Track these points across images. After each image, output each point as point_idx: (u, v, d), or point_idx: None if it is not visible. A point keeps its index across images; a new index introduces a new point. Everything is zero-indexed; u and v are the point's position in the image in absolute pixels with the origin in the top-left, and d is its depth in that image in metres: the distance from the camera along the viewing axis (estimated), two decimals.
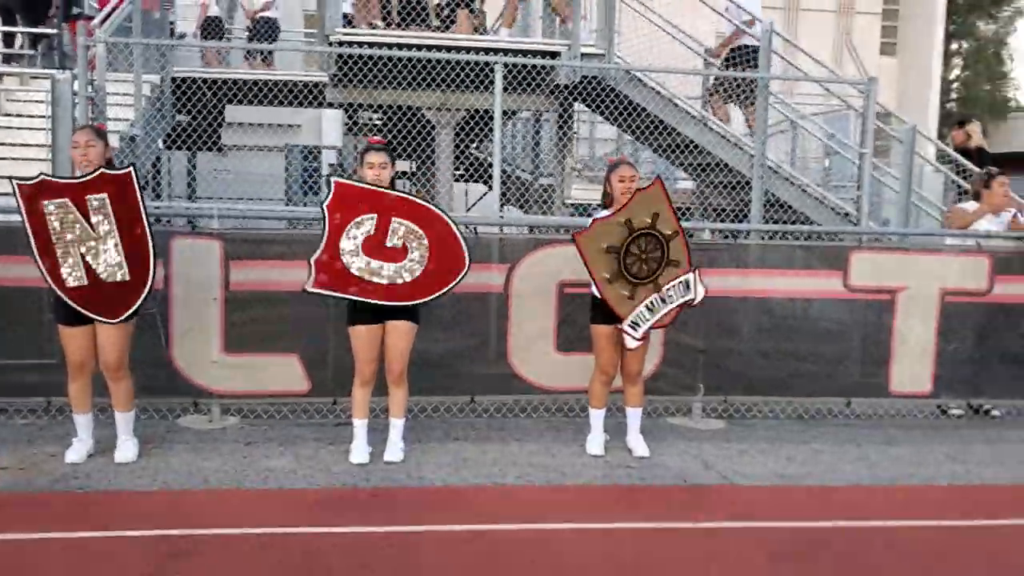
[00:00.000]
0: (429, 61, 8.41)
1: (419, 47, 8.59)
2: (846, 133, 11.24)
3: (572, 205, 11.12)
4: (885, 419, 7.04)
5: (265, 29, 12.63)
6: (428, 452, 5.81)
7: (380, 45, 8.56)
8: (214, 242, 6.17)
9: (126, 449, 5.47)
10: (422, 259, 5.33)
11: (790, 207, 9.22)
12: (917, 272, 6.85)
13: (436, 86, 9.07)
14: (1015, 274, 6.98)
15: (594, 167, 13.13)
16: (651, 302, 5.63)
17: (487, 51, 8.60)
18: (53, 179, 5.17)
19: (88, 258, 5.09)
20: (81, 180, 5.08)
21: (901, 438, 6.59)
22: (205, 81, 10.20)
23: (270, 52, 12.62)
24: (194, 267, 6.16)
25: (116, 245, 5.11)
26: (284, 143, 19.07)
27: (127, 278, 5.15)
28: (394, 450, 5.59)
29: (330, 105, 10.44)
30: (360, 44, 8.54)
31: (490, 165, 14.44)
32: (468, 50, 8.58)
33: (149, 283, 5.18)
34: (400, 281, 5.33)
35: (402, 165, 16.39)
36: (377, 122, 12.69)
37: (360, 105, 10.49)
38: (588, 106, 10.20)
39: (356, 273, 5.31)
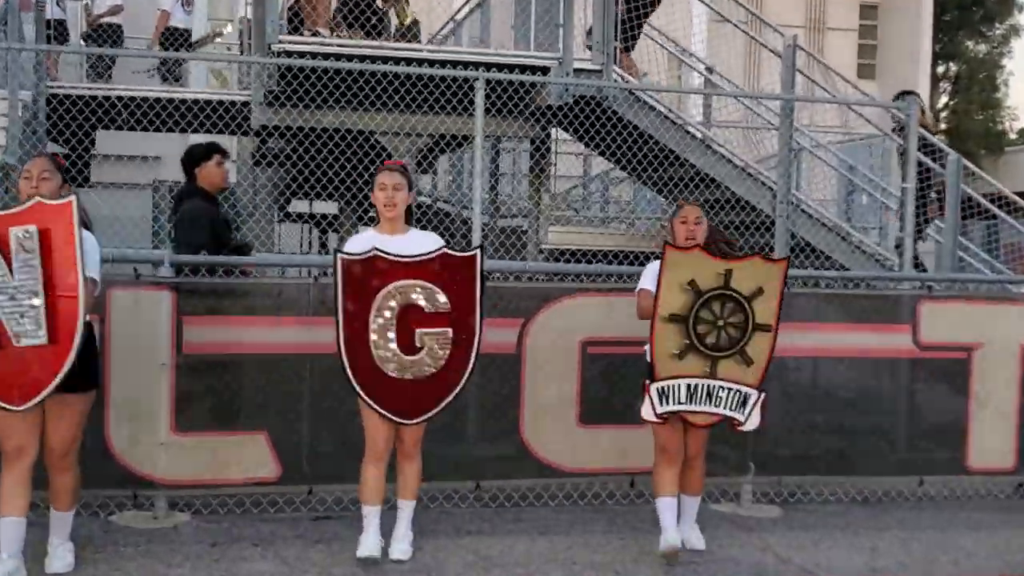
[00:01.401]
0: (394, 76, 8.51)
1: (382, 60, 8.69)
2: (862, 164, 11.74)
3: (548, 251, 11.29)
4: (962, 500, 7.27)
5: (107, 37, 12.58)
6: (441, 549, 5.79)
7: (330, 56, 8.64)
8: (164, 293, 6.10)
9: (61, 557, 5.28)
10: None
11: (815, 251, 9.55)
12: (995, 326, 7.16)
13: (393, 107, 9.17)
14: None
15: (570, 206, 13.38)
16: (694, 385, 5.66)
17: (464, 65, 8.75)
18: None
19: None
20: (9, 212, 4.92)
21: (989, 521, 6.82)
22: (85, 100, 10.13)
23: (176, 67, 12.59)
24: (138, 325, 6.07)
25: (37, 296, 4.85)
26: (152, 179, 18.90)
27: (45, 341, 4.86)
28: (402, 545, 5.56)
29: (257, 133, 10.47)
30: (306, 55, 8.61)
31: (420, 206, 14.66)
32: (443, 63, 8.72)
33: (74, 350, 4.87)
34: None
35: (326, 207, 16.47)
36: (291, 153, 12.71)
37: (271, 131, 10.49)
38: (574, 132, 10.44)
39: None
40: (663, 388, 5.64)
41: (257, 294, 6.51)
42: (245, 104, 10.31)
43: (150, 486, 6.17)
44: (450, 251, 5.35)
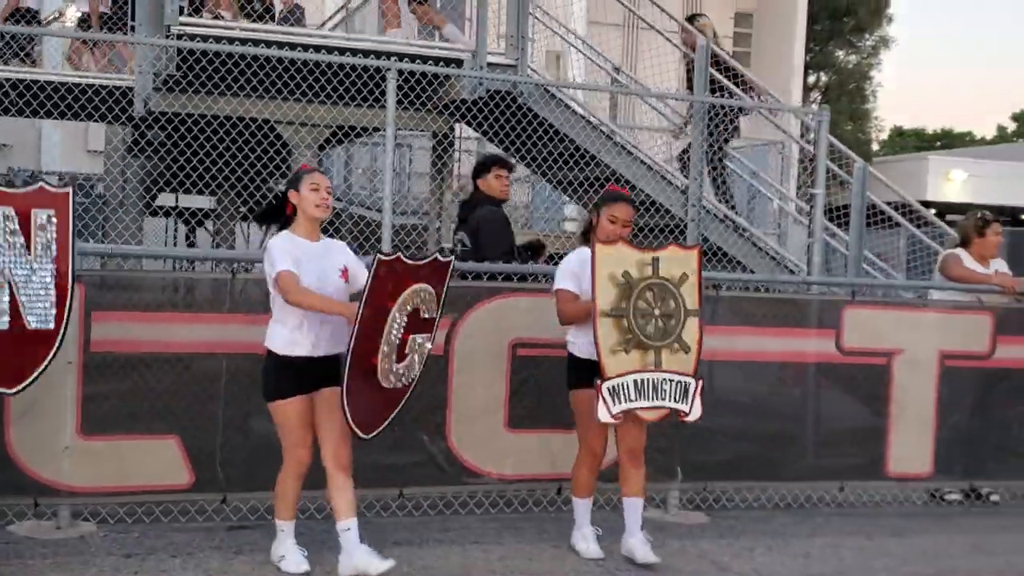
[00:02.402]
0: (301, 64, 8.28)
1: (287, 46, 8.45)
2: (764, 169, 11.97)
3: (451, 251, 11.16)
4: (882, 506, 7.43)
5: None
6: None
7: (230, 40, 8.36)
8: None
9: None
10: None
11: (726, 256, 9.66)
12: (915, 332, 7.34)
13: (294, 96, 8.95)
14: (1015, 334, 7.59)
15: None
16: (641, 380, 5.66)
17: (374, 54, 8.56)
18: None
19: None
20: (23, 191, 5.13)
21: (910, 527, 6.98)
22: None
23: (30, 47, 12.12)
24: None
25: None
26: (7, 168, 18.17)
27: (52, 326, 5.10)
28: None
29: (143, 120, 10.11)
30: (206, 39, 8.31)
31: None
32: (353, 52, 8.52)
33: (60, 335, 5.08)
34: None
35: (196, 201, 16.02)
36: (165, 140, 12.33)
37: (162, 119, 10.16)
38: (478, 127, 10.35)
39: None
40: (613, 387, 5.60)
41: (170, 288, 6.24)
42: (125, 90, 9.99)
43: (53, 493, 5.86)
44: (440, 256, 5.23)
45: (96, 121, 11.85)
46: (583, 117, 9.25)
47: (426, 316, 5.17)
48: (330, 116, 9.13)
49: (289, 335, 5.17)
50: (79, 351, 5.81)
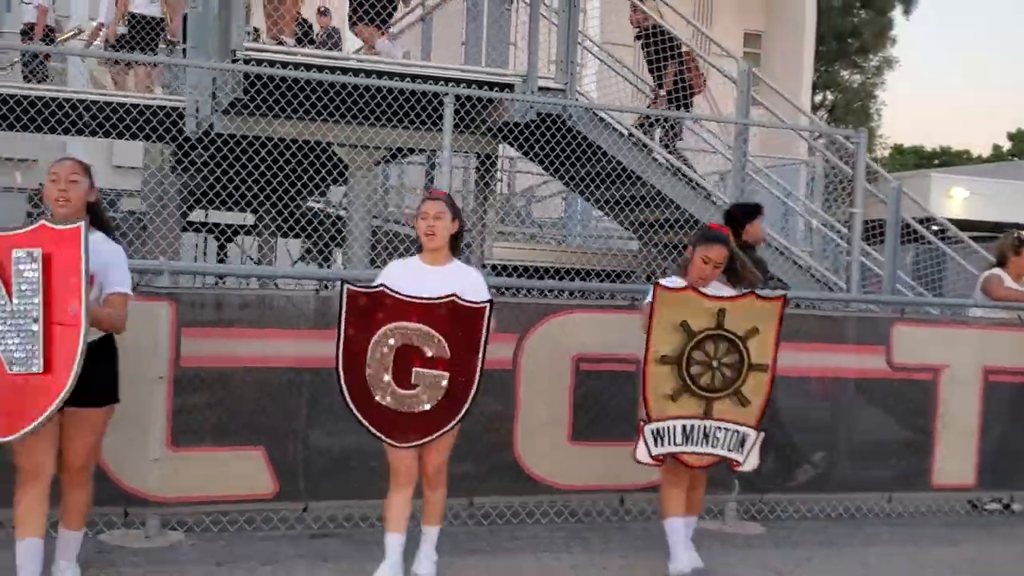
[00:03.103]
0: (354, 89, 8.43)
1: (348, 71, 8.61)
2: (795, 187, 12.10)
3: (493, 266, 11.31)
4: (927, 516, 7.54)
5: None
6: (451, 568, 5.75)
7: (294, 66, 8.52)
8: (163, 304, 5.91)
9: None
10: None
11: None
12: (960, 348, 7.46)
13: (351, 118, 9.10)
14: None
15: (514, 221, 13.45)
16: (690, 426, 5.62)
17: (432, 80, 8.73)
18: None
19: None
20: (14, 232, 4.60)
21: (956, 536, 7.12)
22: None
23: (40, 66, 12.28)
24: (135, 337, 5.85)
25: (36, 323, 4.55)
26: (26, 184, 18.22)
27: (40, 370, 4.56)
28: (427, 563, 5.50)
29: (200, 140, 10.25)
30: (272, 64, 8.47)
31: (337, 219, 14.58)
32: (410, 78, 8.68)
33: (70, 383, 4.56)
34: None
35: (229, 217, 16.13)
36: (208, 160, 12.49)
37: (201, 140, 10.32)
38: (519, 148, 10.51)
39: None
40: (658, 429, 5.59)
41: (257, 306, 6.37)
42: (170, 111, 10.17)
43: (143, 503, 5.98)
44: (459, 300, 5.17)
45: (142, 140, 12.06)
46: (629, 138, 9.39)
47: (430, 354, 5.16)
48: (383, 138, 9.29)
49: None
50: (170, 366, 5.93)
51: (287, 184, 10.75)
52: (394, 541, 5.39)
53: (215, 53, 9.07)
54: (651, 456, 5.60)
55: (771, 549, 6.56)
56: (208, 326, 6.09)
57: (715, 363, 5.59)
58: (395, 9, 11.05)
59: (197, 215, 17.15)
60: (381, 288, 5.18)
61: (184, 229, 17.25)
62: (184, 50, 11.40)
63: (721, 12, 31.14)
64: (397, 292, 5.17)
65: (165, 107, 10.80)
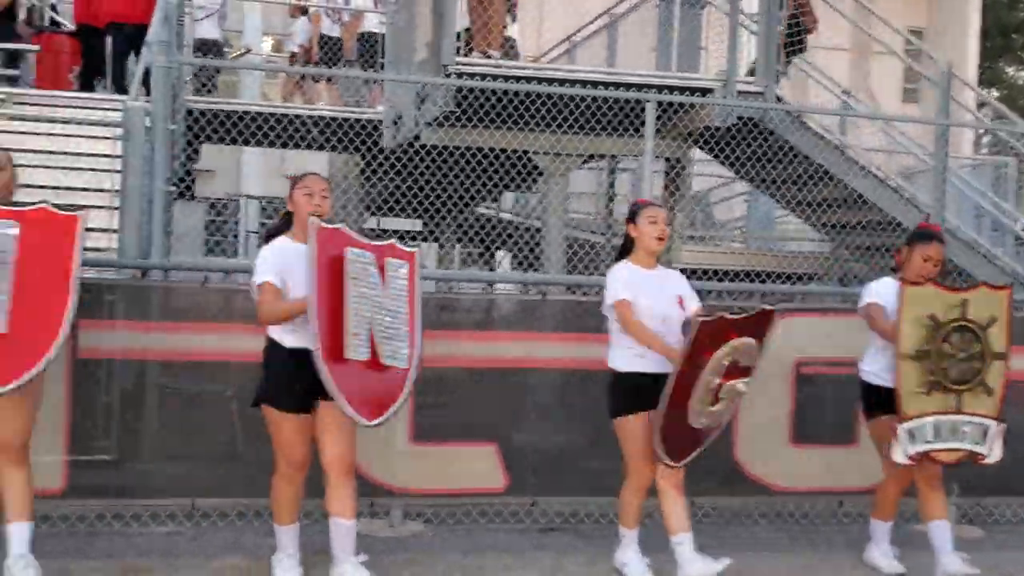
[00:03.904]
0: (560, 97, 8.55)
1: (550, 81, 8.74)
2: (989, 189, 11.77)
3: (681, 270, 11.33)
4: None
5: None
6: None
7: (499, 78, 8.71)
8: None
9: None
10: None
11: (962, 274, 9.56)
12: None
13: (547, 127, 9.24)
14: None
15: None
16: (939, 422, 5.59)
17: (632, 87, 8.80)
18: None
19: None
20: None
21: None
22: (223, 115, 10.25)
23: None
24: None
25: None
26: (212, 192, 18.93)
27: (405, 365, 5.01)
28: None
29: (392, 151, 10.55)
30: (479, 76, 8.67)
31: (509, 224, 14.77)
32: (613, 86, 8.77)
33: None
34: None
35: (403, 223, 16.48)
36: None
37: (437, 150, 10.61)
38: (709, 151, 10.53)
39: None
40: (912, 429, 5.56)
41: (488, 309, 6.57)
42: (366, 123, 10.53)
43: (387, 494, 6.24)
44: (766, 309, 5.35)
45: (339, 151, 12.46)
46: (827, 141, 9.31)
47: (744, 365, 5.26)
48: (583, 145, 9.42)
49: (631, 355, 5.39)
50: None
51: (461, 191, 10.97)
52: (634, 535, 5.59)
53: (417, 68, 9.36)
54: (907, 457, 5.58)
55: (993, 552, 6.42)
56: (443, 328, 6.26)
57: (962, 355, 5.59)
58: None
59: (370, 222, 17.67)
60: (720, 316, 5.21)
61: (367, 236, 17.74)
62: (383, 65, 11.82)
63: (883, 9, 30.42)
64: (735, 315, 5.23)
65: (361, 120, 11.21)
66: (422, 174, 11.07)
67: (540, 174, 12.14)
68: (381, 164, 12.77)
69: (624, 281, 5.41)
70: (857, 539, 6.41)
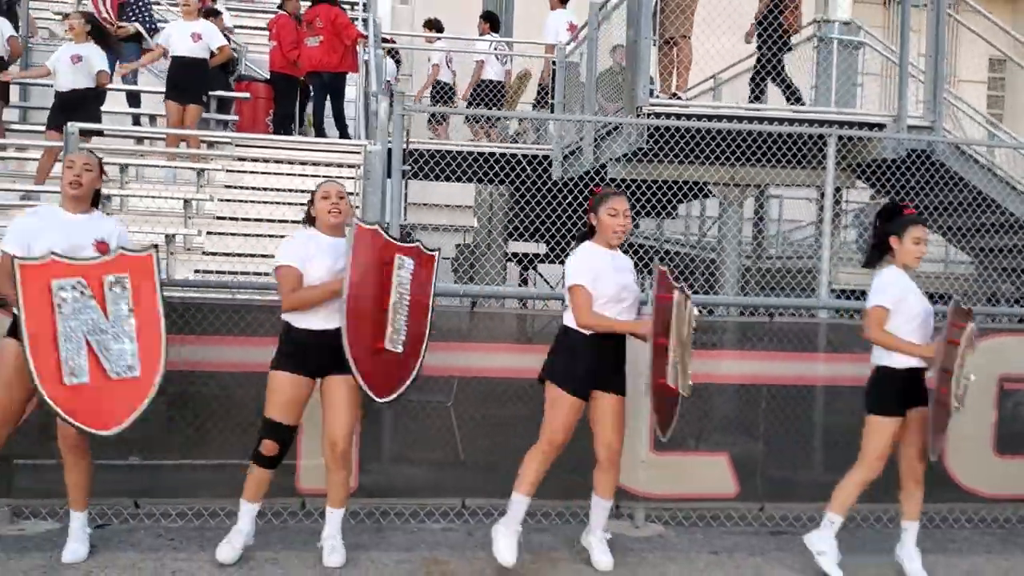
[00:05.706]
0: (737, 134, 8.91)
1: (730, 118, 9.11)
2: None
3: (840, 291, 11.59)
4: None
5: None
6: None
7: (687, 116, 9.11)
8: None
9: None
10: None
11: None
12: None
13: (723, 160, 9.62)
14: None
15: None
16: None
17: (813, 123, 9.13)
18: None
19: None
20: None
21: None
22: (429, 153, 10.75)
23: (489, 121, 13.22)
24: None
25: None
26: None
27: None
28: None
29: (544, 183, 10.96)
30: (667, 116, 9.07)
31: (648, 249, 15.12)
32: (797, 122, 9.10)
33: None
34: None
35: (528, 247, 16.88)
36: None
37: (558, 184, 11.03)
38: (866, 180, 10.81)
39: None
40: None
41: (722, 330, 6.93)
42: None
43: (633, 498, 6.62)
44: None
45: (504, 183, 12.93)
46: (992, 171, 9.56)
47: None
48: (760, 176, 9.77)
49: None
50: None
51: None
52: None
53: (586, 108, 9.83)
54: None
55: None
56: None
57: None
58: None
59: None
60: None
61: (508, 259, 18.32)
62: (552, 106, 12.32)
63: (964, 40, 30.25)
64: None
65: (527, 155, 11.70)
66: (580, 205, 11.45)
67: (680, 202, 12.61)
68: (513, 195, 13.32)
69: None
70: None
